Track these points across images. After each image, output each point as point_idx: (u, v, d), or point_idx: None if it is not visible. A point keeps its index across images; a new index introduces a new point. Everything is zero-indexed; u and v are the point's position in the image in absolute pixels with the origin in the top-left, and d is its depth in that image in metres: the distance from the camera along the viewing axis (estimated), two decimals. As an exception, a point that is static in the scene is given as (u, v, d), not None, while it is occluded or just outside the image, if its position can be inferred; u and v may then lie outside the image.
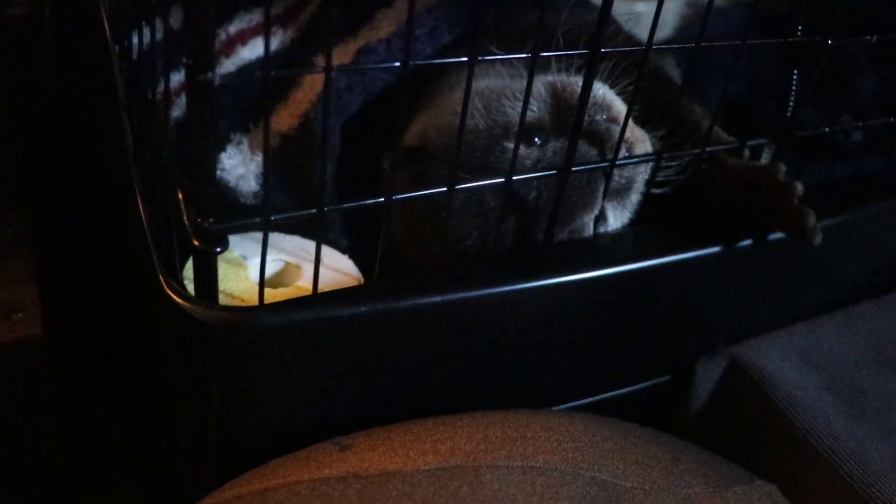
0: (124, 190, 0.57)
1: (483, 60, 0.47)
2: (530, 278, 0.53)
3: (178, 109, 0.60)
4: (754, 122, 0.76)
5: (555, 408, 0.61)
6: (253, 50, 0.70)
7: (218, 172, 0.61)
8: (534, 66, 0.47)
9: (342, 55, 0.65)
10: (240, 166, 0.62)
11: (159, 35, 0.53)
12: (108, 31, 0.73)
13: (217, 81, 0.41)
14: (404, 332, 0.51)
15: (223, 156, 0.63)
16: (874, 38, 0.61)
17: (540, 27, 0.46)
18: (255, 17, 0.71)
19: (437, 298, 0.50)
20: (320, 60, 0.65)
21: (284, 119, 0.65)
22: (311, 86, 0.65)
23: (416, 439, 0.51)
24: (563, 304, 0.55)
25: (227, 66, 0.69)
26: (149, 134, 0.57)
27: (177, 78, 0.58)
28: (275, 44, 0.70)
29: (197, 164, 0.44)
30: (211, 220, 0.44)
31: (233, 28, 0.71)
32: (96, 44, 0.72)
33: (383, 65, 0.43)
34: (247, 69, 0.69)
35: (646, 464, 0.54)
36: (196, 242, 0.45)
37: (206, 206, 0.44)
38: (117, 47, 0.67)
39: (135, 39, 0.60)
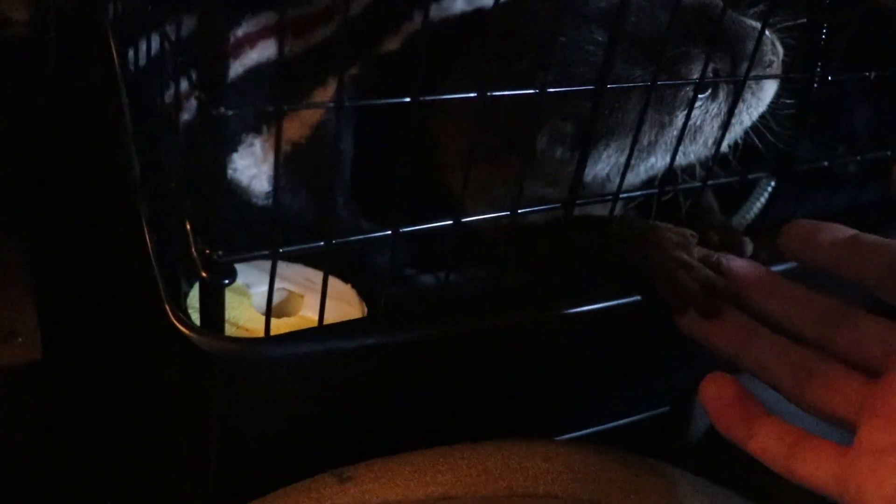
0: (129, 217, 0.57)
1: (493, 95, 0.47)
2: (535, 310, 0.53)
3: (186, 113, 0.60)
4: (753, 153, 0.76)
5: (555, 438, 0.61)
6: (262, 52, 0.70)
7: (230, 172, 0.62)
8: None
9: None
10: (252, 167, 0.62)
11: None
12: (114, 55, 0.74)
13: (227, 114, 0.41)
14: (408, 364, 0.51)
15: (235, 156, 0.63)
16: (872, 73, 0.62)
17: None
18: (264, 19, 0.71)
19: (441, 330, 0.51)
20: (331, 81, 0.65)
21: (296, 129, 0.65)
22: (323, 99, 0.65)
23: (417, 470, 0.51)
24: (566, 335, 0.56)
25: (236, 67, 0.68)
26: (156, 162, 0.57)
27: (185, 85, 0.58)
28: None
29: (206, 196, 0.44)
30: (220, 252, 0.44)
31: (241, 31, 0.71)
32: (102, 67, 0.72)
33: (394, 100, 0.43)
34: (255, 71, 0.69)
35: (644, 493, 0.54)
36: (204, 274, 0.45)
37: (215, 237, 0.45)
38: (124, 73, 0.68)
39: (142, 47, 0.60)
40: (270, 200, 0.62)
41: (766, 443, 0.48)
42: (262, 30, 0.71)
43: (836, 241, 0.52)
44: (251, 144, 0.63)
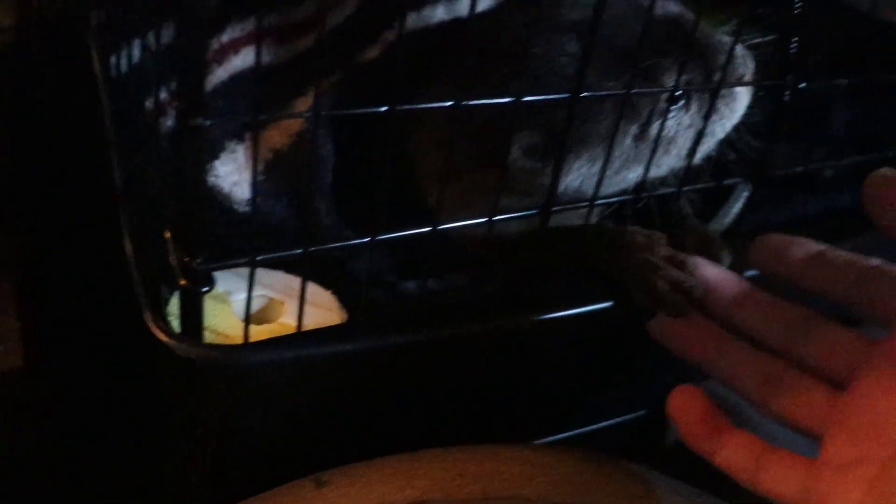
0: (110, 223, 0.58)
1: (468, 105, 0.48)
2: (512, 316, 0.54)
3: (169, 120, 0.61)
4: (729, 158, 0.77)
5: (533, 442, 0.62)
6: (246, 58, 0.70)
7: (211, 178, 0.62)
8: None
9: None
10: (234, 174, 0.63)
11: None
12: (96, 62, 0.74)
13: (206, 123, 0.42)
14: (387, 370, 0.52)
15: (217, 162, 0.63)
16: (845, 81, 0.63)
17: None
18: (249, 25, 0.72)
19: (419, 336, 0.52)
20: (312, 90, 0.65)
21: (277, 136, 0.65)
22: (305, 107, 0.66)
23: (393, 475, 0.51)
24: (544, 340, 0.57)
25: (220, 73, 0.69)
26: (137, 170, 0.57)
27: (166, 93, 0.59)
28: (268, 56, 0.70)
29: (186, 204, 0.45)
30: (199, 260, 0.45)
31: (226, 37, 0.71)
32: (85, 74, 0.72)
33: (371, 109, 0.44)
34: (239, 77, 0.69)
35: (620, 496, 0.55)
36: (183, 282, 0.46)
37: (194, 245, 0.45)
38: (106, 80, 0.68)
39: (124, 54, 0.61)
40: (252, 207, 0.63)
41: (733, 456, 0.49)
42: (247, 36, 0.71)
43: (805, 256, 0.52)
44: (233, 151, 0.63)
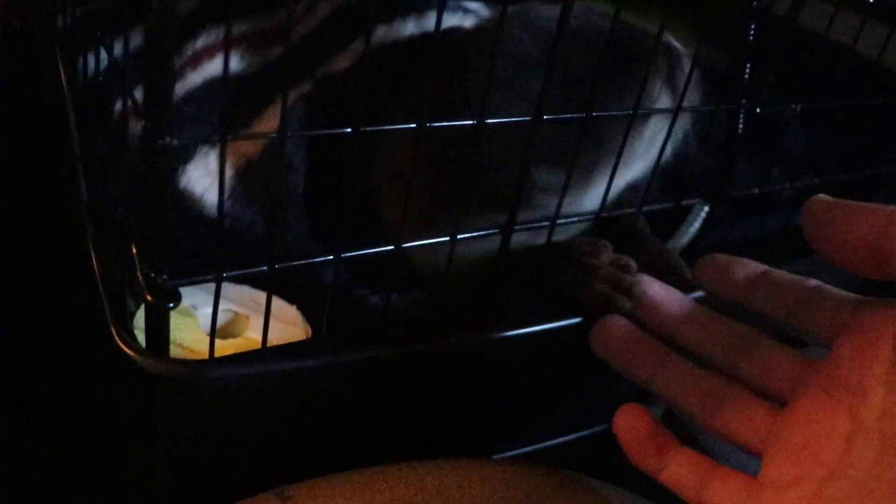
0: (76, 236, 0.58)
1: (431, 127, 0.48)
2: (475, 332, 0.55)
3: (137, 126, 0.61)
4: (687, 177, 0.79)
5: (494, 456, 0.63)
6: (220, 65, 0.70)
7: (183, 182, 0.62)
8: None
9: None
10: (206, 178, 0.63)
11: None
12: (62, 70, 0.74)
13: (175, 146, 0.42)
14: (350, 385, 0.53)
15: (189, 166, 0.64)
16: (798, 106, 0.64)
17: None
18: (223, 31, 0.72)
19: (382, 352, 0.52)
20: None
21: (248, 144, 0.66)
22: (276, 118, 0.66)
23: (355, 489, 0.52)
24: (505, 356, 0.58)
25: (194, 78, 0.69)
26: (104, 182, 0.58)
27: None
28: (241, 63, 0.71)
29: (152, 221, 0.45)
30: (165, 276, 0.45)
31: (199, 43, 0.71)
32: (50, 82, 0.72)
33: (336, 131, 0.44)
34: (213, 83, 0.69)
35: (580, 510, 0.56)
36: (149, 297, 0.46)
37: (160, 261, 0.46)
38: (72, 90, 0.68)
39: (91, 61, 0.61)
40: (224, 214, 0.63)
41: (677, 473, 0.50)
42: (222, 42, 0.72)
43: (748, 276, 0.53)
44: (206, 155, 0.63)
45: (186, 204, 0.63)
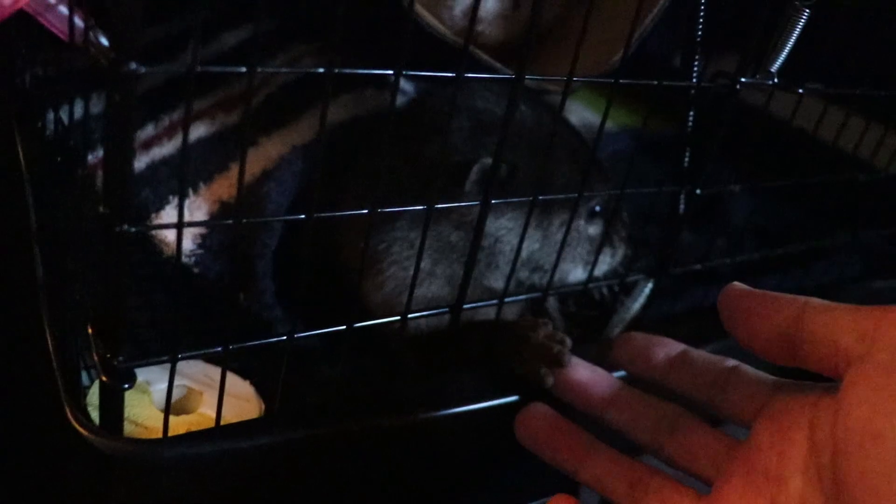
0: (29, 316, 0.58)
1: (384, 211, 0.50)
2: (428, 408, 0.56)
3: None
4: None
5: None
6: (166, 148, 0.72)
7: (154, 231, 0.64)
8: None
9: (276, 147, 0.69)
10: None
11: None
12: (18, 143, 0.75)
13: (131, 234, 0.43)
14: (305, 461, 0.53)
15: (163, 212, 0.66)
16: (738, 187, 0.67)
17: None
18: (166, 120, 0.74)
19: (336, 428, 0.53)
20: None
21: (224, 188, 0.67)
22: (256, 161, 0.68)
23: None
24: (465, 429, 0.59)
25: (143, 160, 0.71)
26: (60, 261, 0.58)
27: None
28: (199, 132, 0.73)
29: (109, 303, 0.46)
30: (120, 357, 0.46)
31: (144, 134, 0.73)
32: (6, 154, 0.73)
33: (290, 217, 0.46)
34: (162, 163, 0.71)
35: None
36: (104, 378, 0.47)
37: (116, 343, 0.46)
38: (29, 167, 0.69)
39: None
40: (193, 259, 0.64)
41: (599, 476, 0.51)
42: (168, 128, 0.74)
43: (667, 356, 0.55)
44: (176, 206, 0.64)
45: (157, 248, 0.65)
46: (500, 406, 0.59)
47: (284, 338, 0.50)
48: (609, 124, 0.60)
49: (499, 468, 0.65)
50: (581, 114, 0.89)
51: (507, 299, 0.58)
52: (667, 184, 0.66)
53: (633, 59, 0.59)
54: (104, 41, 0.45)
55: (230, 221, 0.45)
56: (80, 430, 0.49)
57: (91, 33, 0.46)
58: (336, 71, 0.41)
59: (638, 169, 0.58)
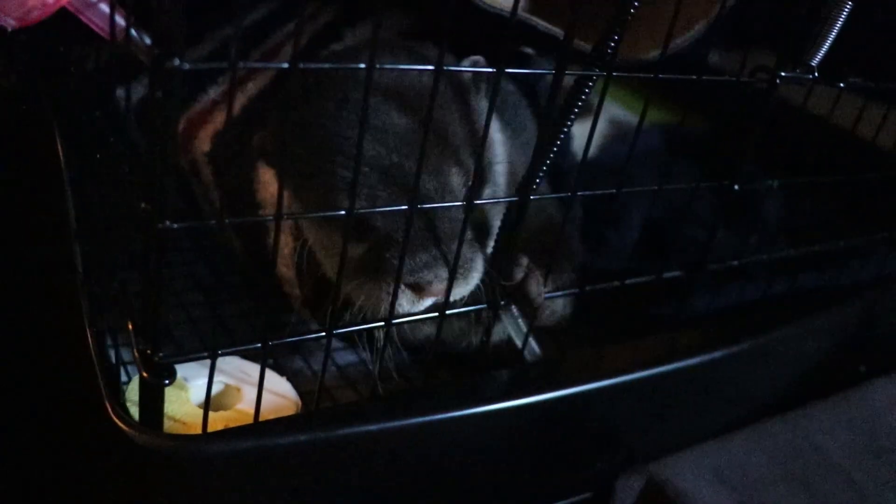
0: (70, 312, 0.59)
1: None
2: (462, 406, 0.56)
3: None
4: (669, 245, 0.81)
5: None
6: None
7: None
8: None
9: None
10: None
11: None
12: (59, 145, 0.75)
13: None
14: (341, 459, 0.53)
15: None
16: (776, 182, 0.66)
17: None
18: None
19: (373, 427, 0.53)
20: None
21: None
22: None
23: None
24: (492, 428, 0.59)
25: None
26: (101, 259, 0.59)
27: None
28: None
29: (150, 300, 0.46)
30: (161, 354, 0.46)
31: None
32: (48, 162, 0.73)
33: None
34: None
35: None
36: (144, 374, 0.47)
37: (156, 339, 0.47)
38: (69, 167, 0.69)
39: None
40: None
41: None
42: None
43: None
44: None
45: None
46: (530, 405, 0.58)
47: (323, 334, 0.50)
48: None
49: (530, 465, 0.65)
50: (611, 110, 0.89)
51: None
52: (702, 181, 0.65)
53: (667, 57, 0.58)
54: (146, 39, 0.46)
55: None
56: (121, 425, 0.49)
57: (132, 31, 0.47)
58: (378, 66, 0.41)
59: (670, 166, 0.58)
